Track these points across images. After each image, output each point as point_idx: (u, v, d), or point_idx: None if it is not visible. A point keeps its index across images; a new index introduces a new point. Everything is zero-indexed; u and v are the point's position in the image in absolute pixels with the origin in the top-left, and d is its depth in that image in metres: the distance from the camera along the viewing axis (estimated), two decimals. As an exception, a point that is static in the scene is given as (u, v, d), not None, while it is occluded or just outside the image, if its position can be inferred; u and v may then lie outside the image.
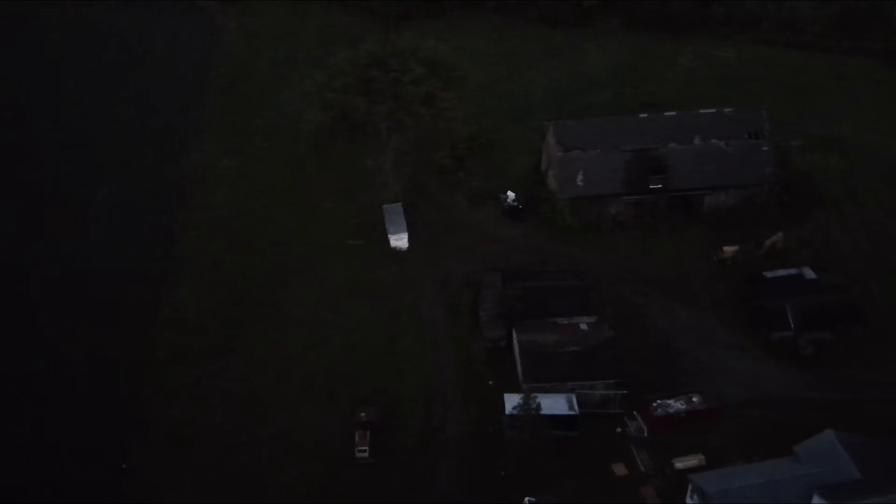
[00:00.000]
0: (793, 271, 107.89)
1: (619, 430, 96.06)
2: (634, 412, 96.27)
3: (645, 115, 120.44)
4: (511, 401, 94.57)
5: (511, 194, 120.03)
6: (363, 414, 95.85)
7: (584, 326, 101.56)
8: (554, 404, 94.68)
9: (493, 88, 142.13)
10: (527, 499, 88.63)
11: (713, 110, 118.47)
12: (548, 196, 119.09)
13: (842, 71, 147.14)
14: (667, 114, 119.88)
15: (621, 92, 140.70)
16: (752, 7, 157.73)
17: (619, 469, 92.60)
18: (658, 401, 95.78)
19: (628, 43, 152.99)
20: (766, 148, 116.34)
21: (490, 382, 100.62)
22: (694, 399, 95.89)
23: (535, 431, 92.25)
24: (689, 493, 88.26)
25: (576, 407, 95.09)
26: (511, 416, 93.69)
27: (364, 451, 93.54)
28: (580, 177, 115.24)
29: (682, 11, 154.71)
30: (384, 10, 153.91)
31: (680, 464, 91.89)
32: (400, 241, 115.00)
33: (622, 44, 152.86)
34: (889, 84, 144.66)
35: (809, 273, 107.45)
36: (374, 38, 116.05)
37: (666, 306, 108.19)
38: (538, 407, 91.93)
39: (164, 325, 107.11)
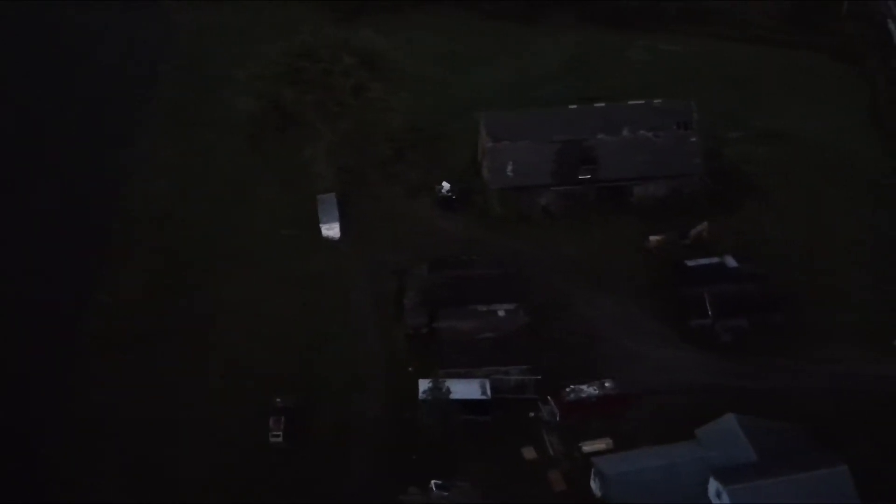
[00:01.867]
0: (714, 260, 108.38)
1: (532, 414, 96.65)
2: (547, 397, 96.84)
3: (575, 107, 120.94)
4: (424, 386, 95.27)
5: (446, 185, 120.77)
6: (279, 399, 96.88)
7: (501, 313, 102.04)
8: (466, 389, 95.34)
9: (440, 82, 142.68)
10: (432, 482, 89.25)
11: (642, 101, 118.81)
12: (482, 187, 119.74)
13: (791, 65, 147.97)
14: (596, 105, 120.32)
15: (570, 86, 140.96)
16: (704, 3, 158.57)
17: (529, 453, 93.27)
18: (571, 386, 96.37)
19: (580, 38, 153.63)
20: (694, 139, 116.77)
21: (410, 369, 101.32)
22: (607, 384, 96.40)
23: (447, 416, 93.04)
24: (592, 476, 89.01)
25: (488, 392, 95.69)
26: (423, 400, 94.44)
27: (278, 436, 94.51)
28: (510, 167, 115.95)
29: (634, 7, 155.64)
30: (340, 5, 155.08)
31: (588, 447, 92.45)
32: (332, 230, 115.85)
33: (574, 39, 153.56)
34: (837, 78, 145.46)
35: (731, 262, 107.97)
36: (307, 28, 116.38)
37: (591, 295, 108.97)
38: (447, 392, 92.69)
39: (93, 313, 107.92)
